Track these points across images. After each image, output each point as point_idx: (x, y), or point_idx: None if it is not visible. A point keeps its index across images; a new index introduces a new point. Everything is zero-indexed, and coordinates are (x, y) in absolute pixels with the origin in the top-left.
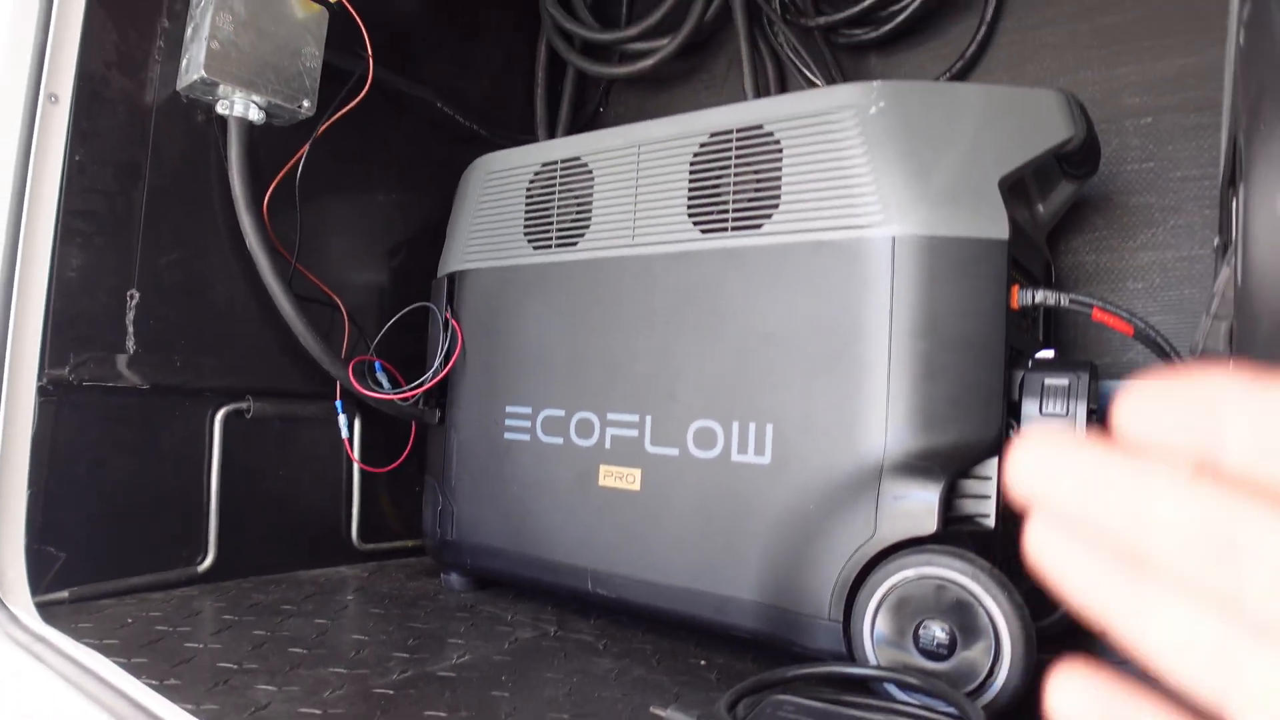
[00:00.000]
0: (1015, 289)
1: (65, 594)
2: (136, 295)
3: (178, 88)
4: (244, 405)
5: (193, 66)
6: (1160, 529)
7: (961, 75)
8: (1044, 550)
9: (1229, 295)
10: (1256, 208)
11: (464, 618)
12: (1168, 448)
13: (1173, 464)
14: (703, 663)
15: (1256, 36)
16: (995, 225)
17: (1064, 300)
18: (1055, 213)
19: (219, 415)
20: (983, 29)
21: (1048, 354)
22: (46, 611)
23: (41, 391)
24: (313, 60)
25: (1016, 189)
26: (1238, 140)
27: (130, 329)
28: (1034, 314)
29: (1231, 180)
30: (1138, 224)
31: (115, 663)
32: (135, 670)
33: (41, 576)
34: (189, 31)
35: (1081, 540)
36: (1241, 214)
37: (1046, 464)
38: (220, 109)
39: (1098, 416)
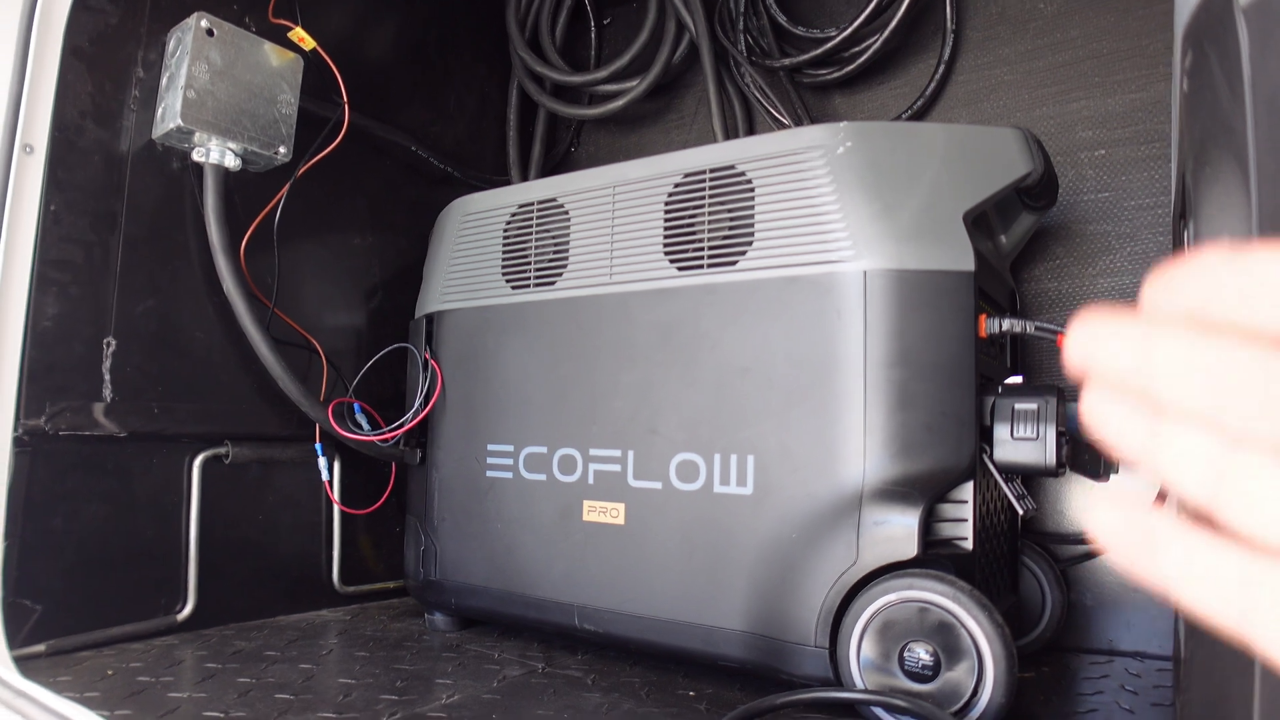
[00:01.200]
0: (983, 318)
1: (42, 647)
2: (113, 343)
3: (154, 136)
4: (222, 450)
5: (169, 115)
6: (1176, 374)
7: (922, 112)
8: (1096, 409)
9: None
10: (1206, 244)
11: (451, 657)
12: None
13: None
14: (692, 694)
15: (1198, 85)
16: (961, 258)
17: (1030, 328)
18: (1017, 243)
19: (197, 461)
20: (941, 68)
21: (1016, 380)
22: (23, 666)
23: (17, 442)
24: (288, 107)
25: (980, 222)
26: (1186, 179)
27: (107, 377)
28: (1002, 341)
29: (1182, 214)
30: (1096, 251)
31: (99, 716)
32: None
33: (18, 630)
34: (164, 80)
35: (1122, 397)
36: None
37: (1098, 338)
38: (196, 156)
39: (1067, 438)
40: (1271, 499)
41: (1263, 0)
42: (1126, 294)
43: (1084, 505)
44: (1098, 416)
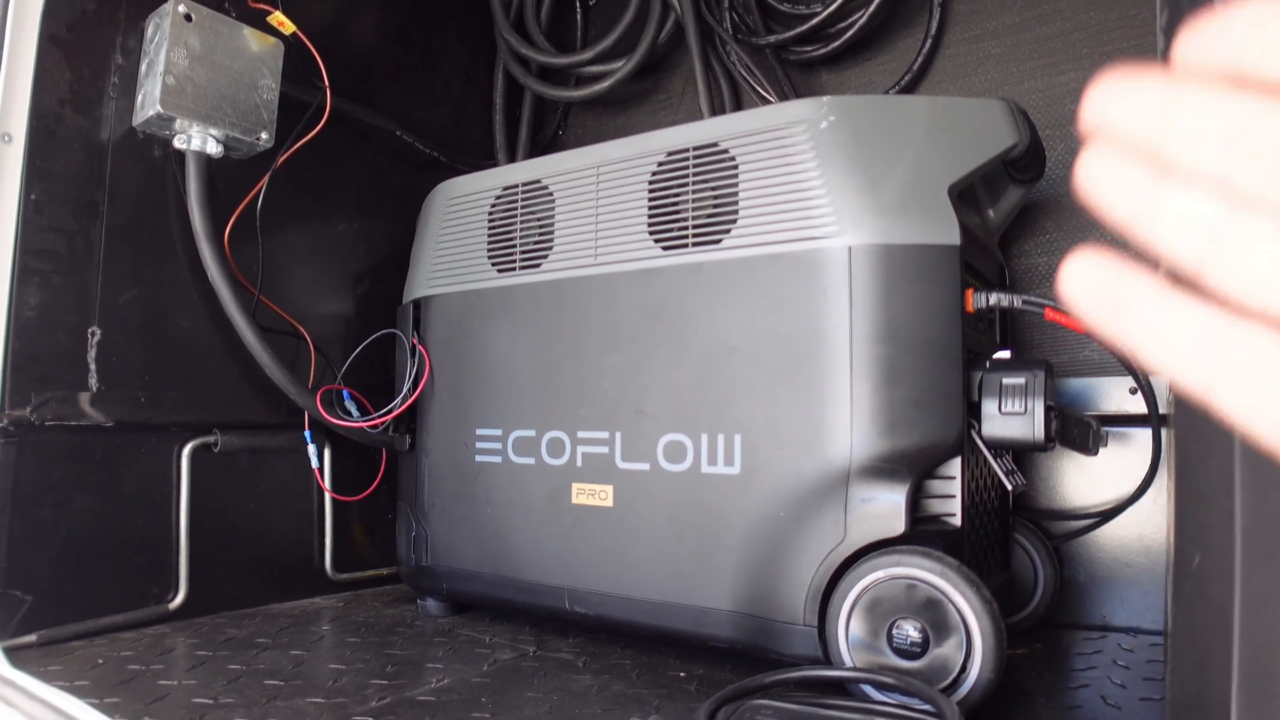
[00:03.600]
0: (970, 292)
1: (33, 637)
2: (98, 332)
3: (134, 123)
4: (211, 439)
5: (149, 102)
6: (1192, 131)
7: (910, 88)
8: (1094, 169)
9: None
10: None
11: (442, 642)
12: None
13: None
14: (682, 674)
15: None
16: (947, 231)
17: (1017, 301)
18: (1006, 217)
19: (186, 450)
20: (928, 43)
21: (1005, 354)
22: (14, 656)
23: (3, 433)
24: (269, 93)
25: (966, 196)
26: None
27: (92, 366)
28: (990, 316)
29: None
30: (1086, 225)
31: (88, 704)
32: (108, 710)
33: (8, 621)
34: (144, 67)
35: (1124, 156)
36: None
37: (1119, 93)
38: (178, 143)
39: (1056, 413)
40: (1265, 264)
41: None
42: None
43: (1063, 266)
44: (1095, 177)
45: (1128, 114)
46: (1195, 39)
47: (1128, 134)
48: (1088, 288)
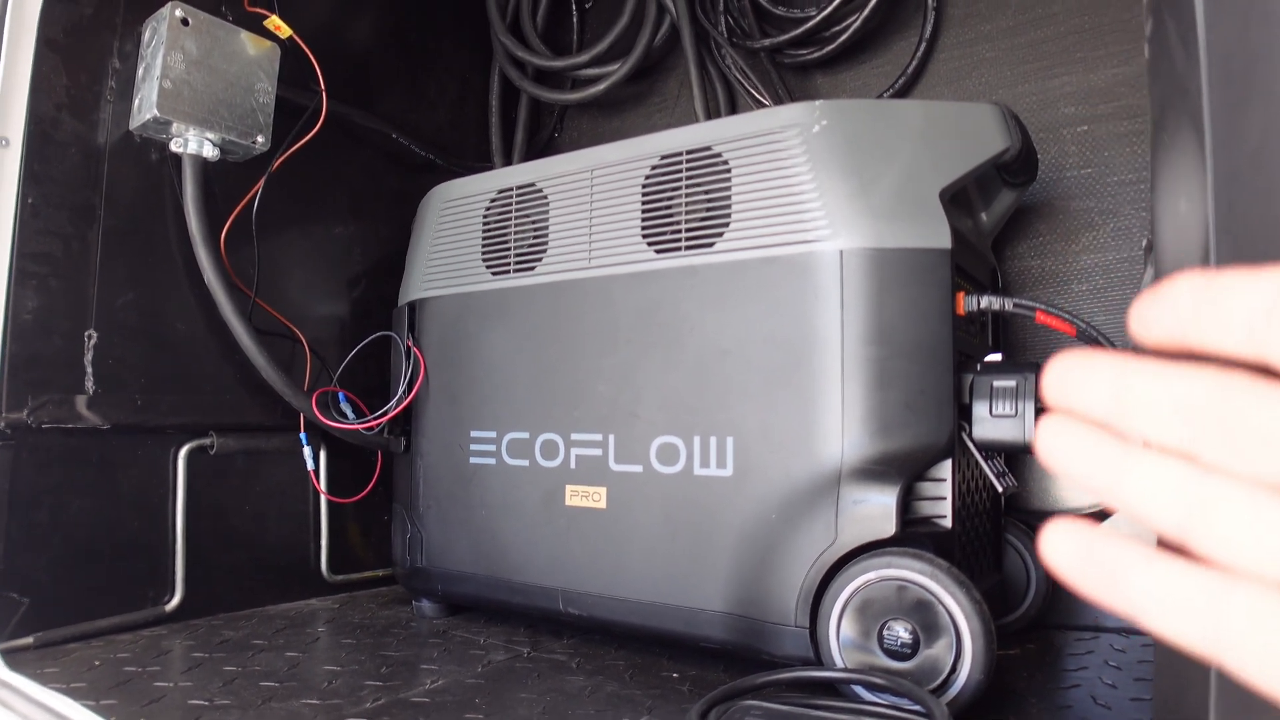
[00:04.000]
0: (961, 296)
1: (30, 639)
2: (94, 335)
3: (131, 127)
4: (207, 441)
5: (145, 106)
6: (1150, 405)
7: (904, 91)
8: (1053, 440)
9: None
10: (1163, 211)
11: (437, 643)
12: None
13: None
14: (675, 675)
15: (1157, 52)
16: (938, 235)
17: (1008, 305)
18: (998, 220)
19: (182, 452)
20: (922, 46)
21: (996, 357)
22: (11, 658)
23: (0, 436)
24: (266, 96)
25: (958, 199)
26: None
27: (89, 369)
28: (981, 319)
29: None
30: (1079, 228)
31: (84, 705)
32: (105, 712)
33: (5, 623)
34: (140, 71)
35: (1086, 430)
36: (1153, 217)
37: (1075, 375)
38: (174, 147)
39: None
40: (1247, 531)
41: None
42: (1109, 270)
43: (1043, 538)
44: (1059, 448)
45: (1087, 392)
46: (1146, 313)
47: (1090, 410)
48: (1074, 558)
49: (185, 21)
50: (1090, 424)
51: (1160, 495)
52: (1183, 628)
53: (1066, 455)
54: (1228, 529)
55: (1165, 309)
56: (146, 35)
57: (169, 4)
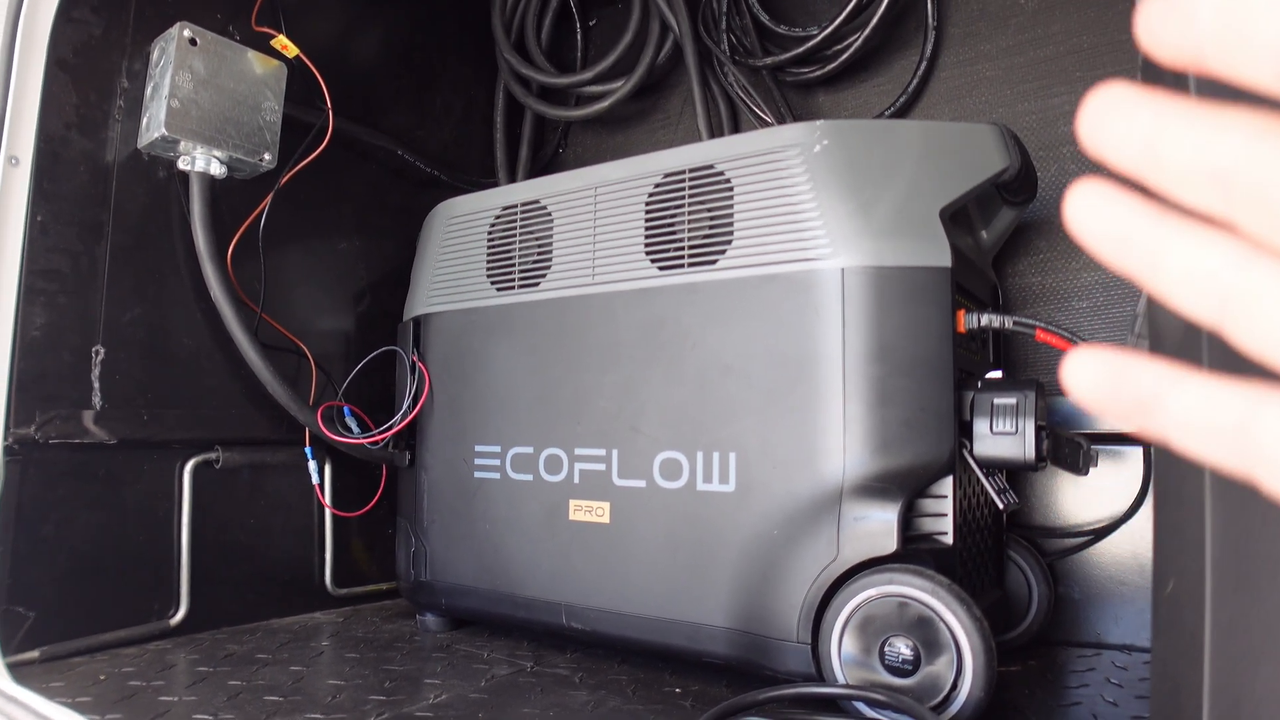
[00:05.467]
0: (961, 313)
1: (36, 653)
2: (102, 351)
3: (139, 145)
4: (213, 456)
5: (153, 124)
6: (1180, 165)
7: (905, 109)
8: (1083, 210)
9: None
10: None
11: (440, 657)
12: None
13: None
14: (677, 690)
15: (1150, 82)
16: (938, 254)
17: (1008, 322)
18: (999, 238)
19: (188, 467)
20: (923, 65)
21: (996, 374)
22: (17, 672)
23: (7, 451)
24: (273, 114)
25: (958, 218)
26: None
27: (96, 385)
28: (982, 336)
29: None
30: (1078, 247)
31: None
32: None
33: (11, 637)
34: (149, 90)
35: (1119, 199)
36: None
37: (1112, 113)
38: (182, 165)
39: (1048, 432)
40: None
41: None
42: (1109, 287)
43: (1063, 367)
44: (1089, 220)
45: (1118, 146)
46: (1156, 19)
47: (1120, 169)
48: (1098, 384)
49: (193, 41)
50: (1126, 189)
51: (1197, 278)
52: (1216, 449)
53: (1096, 228)
54: (1268, 323)
55: (1180, 16)
56: (155, 55)
57: (177, 24)
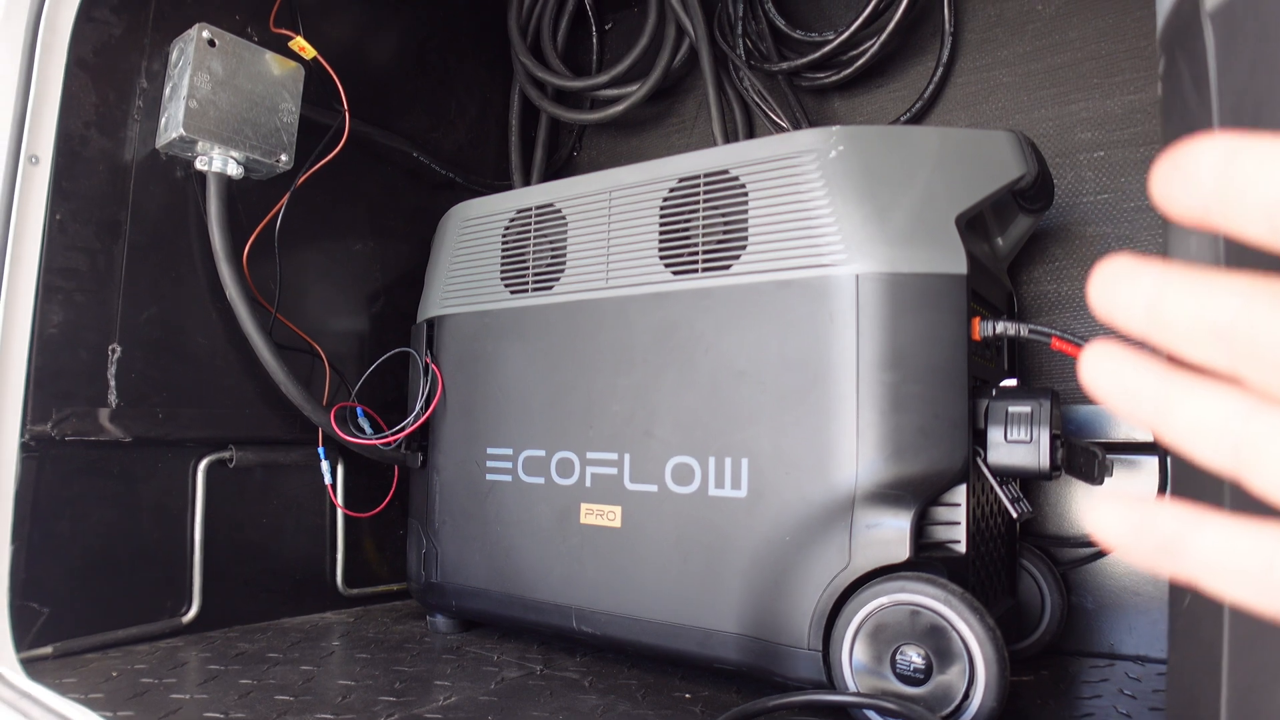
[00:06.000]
0: (976, 321)
1: (49, 649)
2: (118, 349)
3: (157, 145)
4: (226, 455)
5: (172, 125)
6: (1183, 327)
7: (921, 115)
8: (1097, 369)
9: None
10: (1176, 249)
11: (450, 659)
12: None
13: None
14: (687, 696)
15: (1170, 90)
16: (954, 261)
17: (1024, 330)
18: (1015, 245)
19: (202, 465)
20: (939, 71)
21: (1011, 382)
22: (30, 668)
23: (24, 447)
24: (290, 115)
25: (974, 224)
26: None
27: (112, 383)
28: (997, 344)
29: None
30: (1095, 253)
31: (101, 716)
32: None
33: (25, 632)
34: (167, 91)
35: (1129, 357)
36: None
37: (1117, 285)
38: (199, 165)
39: (1062, 441)
40: None
41: (1227, 5)
42: None
43: (1085, 509)
44: (1102, 378)
45: (1126, 311)
46: (1167, 180)
47: (1130, 326)
48: (1123, 531)
49: (212, 43)
50: (1135, 349)
51: (1208, 429)
52: (1249, 589)
53: (1109, 385)
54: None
55: (1185, 178)
56: (174, 56)
57: (196, 25)
